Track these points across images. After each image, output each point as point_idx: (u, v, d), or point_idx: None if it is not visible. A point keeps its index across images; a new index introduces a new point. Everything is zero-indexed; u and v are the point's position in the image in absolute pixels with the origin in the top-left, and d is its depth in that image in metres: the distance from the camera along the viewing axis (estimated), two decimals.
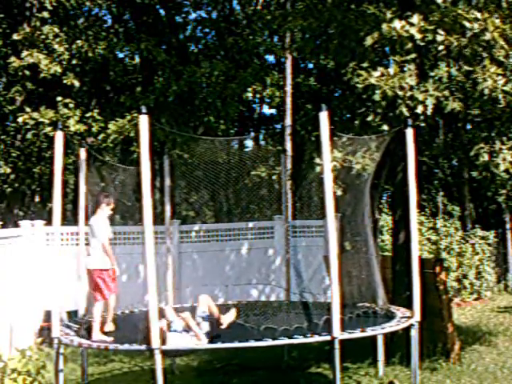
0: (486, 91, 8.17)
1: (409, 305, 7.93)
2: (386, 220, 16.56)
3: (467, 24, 8.14)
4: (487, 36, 8.11)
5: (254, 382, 8.91)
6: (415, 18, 8.25)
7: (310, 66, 21.01)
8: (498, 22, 8.22)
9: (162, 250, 10.15)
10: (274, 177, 16.41)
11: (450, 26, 8.31)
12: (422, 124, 8.58)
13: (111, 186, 9.18)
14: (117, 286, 7.89)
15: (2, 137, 16.96)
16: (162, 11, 18.58)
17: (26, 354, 8.00)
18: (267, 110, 23.36)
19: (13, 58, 15.34)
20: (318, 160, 8.01)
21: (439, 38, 8.17)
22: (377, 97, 8.03)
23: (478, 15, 8.12)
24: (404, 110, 8.09)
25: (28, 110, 15.36)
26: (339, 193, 8.08)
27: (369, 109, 8.32)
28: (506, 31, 8.30)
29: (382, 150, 8.28)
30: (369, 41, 8.31)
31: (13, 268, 10.15)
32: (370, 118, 8.25)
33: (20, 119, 15.25)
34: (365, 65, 8.36)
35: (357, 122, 8.50)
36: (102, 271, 7.63)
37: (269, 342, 6.68)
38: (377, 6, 8.80)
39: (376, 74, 8.16)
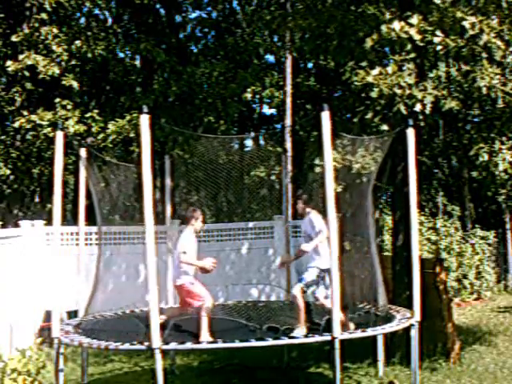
0: (484, 90, 8.16)
1: (409, 305, 7.93)
2: (385, 220, 16.55)
3: (467, 25, 8.13)
4: (484, 38, 8.09)
5: (254, 382, 8.92)
6: (415, 19, 8.23)
7: (310, 65, 21.02)
8: (494, 23, 8.21)
9: (162, 249, 10.14)
10: (274, 177, 16.43)
11: (450, 27, 8.31)
12: (422, 124, 8.57)
13: (112, 185, 9.16)
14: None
15: (2, 137, 16.95)
16: (161, 11, 18.59)
17: (26, 354, 8.01)
18: (267, 110, 23.38)
19: (9, 62, 15.30)
20: (317, 161, 8.01)
21: (436, 40, 8.17)
22: (374, 94, 8.02)
23: (473, 19, 8.10)
24: (402, 108, 8.07)
25: (25, 113, 15.34)
26: (339, 189, 8.07)
27: (368, 107, 8.30)
28: (503, 32, 8.30)
29: (384, 151, 8.26)
30: (368, 42, 8.30)
31: (13, 268, 10.15)
32: (368, 116, 8.24)
33: (17, 123, 15.25)
34: (364, 64, 8.35)
35: (355, 120, 8.48)
36: (184, 285, 7.57)
37: (269, 342, 6.66)
38: (376, 6, 8.78)
39: (374, 72, 8.15)
